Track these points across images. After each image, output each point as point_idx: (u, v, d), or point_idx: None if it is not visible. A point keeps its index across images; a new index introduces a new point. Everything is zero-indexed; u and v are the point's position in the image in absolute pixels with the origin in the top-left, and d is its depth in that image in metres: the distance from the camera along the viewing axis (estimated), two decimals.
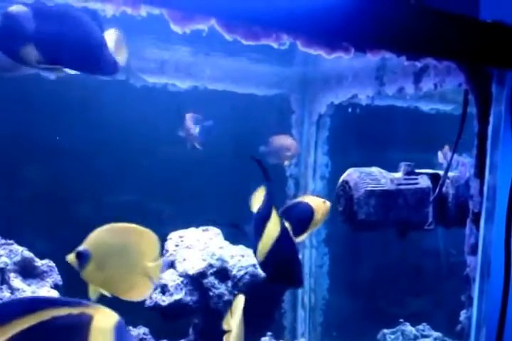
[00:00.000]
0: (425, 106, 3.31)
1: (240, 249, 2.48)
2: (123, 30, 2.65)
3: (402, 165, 2.33)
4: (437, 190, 2.30)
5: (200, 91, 3.20)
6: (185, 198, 3.23)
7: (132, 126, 2.88)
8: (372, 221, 2.18)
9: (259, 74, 3.27)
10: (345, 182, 2.19)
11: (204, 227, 2.62)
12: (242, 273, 2.36)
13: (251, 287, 2.36)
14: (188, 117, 2.97)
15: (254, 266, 2.38)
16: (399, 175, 2.32)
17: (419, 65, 2.17)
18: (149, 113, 2.97)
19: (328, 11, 1.75)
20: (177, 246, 2.46)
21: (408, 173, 2.32)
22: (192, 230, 2.59)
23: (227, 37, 1.64)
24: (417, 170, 2.35)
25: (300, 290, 3.28)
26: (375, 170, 2.24)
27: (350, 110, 2.93)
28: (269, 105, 3.30)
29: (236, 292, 2.34)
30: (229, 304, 2.34)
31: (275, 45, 1.72)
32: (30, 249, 2.32)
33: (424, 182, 2.31)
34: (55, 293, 2.16)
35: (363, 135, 3.31)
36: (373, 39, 1.91)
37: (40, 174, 3.01)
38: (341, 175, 2.36)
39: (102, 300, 2.81)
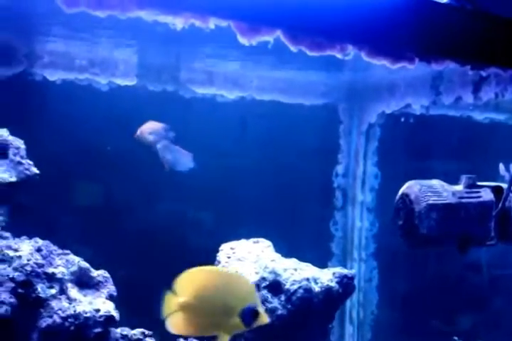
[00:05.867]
0: (479, 116, 3.20)
1: (293, 262, 2.43)
2: (173, 42, 2.68)
3: (464, 178, 2.24)
4: (500, 204, 2.21)
5: (248, 102, 3.20)
6: (231, 209, 3.21)
7: (182, 137, 2.89)
8: (433, 235, 2.09)
9: (307, 83, 3.25)
10: (406, 195, 2.11)
11: (255, 239, 2.59)
12: (295, 287, 2.30)
13: (305, 302, 2.30)
14: (146, 128, 2.66)
15: (307, 280, 2.33)
16: (460, 187, 2.22)
17: (484, 74, 2.10)
18: (198, 124, 2.97)
19: (392, 22, 1.72)
20: (229, 257, 2.43)
21: (470, 186, 2.23)
22: (243, 242, 2.56)
23: (292, 48, 1.62)
24: (479, 183, 2.26)
25: (348, 305, 3.20)
26: (436, 182, 2.16)
27: (402, 120, 2.86)
28: (317, 115, 3.26)
29: (290, 306, 2.29)
30: (282, 319, 2.29)
31: (340, 56, 1.69)
32: (85, 259, 2.34)
33: (486, 195, 2.21)
34: (110, 305, 2.16)
35: (414, 145, 3.22)
36: (437, 48, 1.86)
37: (91, 184, 3.04)
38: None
39: (144, 312, 2.80)
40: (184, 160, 2.75)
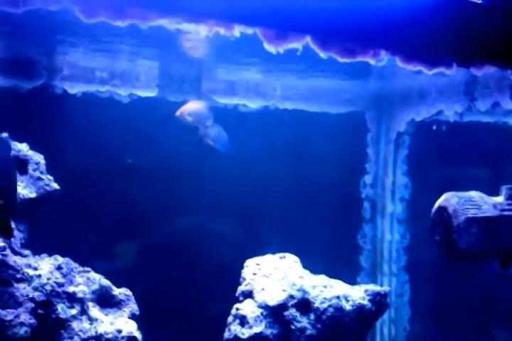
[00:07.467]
0: None
1: (322, 279, 2.31)
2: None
3: (504, 189, 2.10)
4: None
5: (271, 111, 3.11)
6: (255, 221, 3.11)
7: (205, 148, 2.81)
8: (473, 251, 1.96)
9: (332, 91, 3.14)
10: (443, 208, 1.98)
11: (281, 254, 2.48)
12: (325, 305, 2.19)
13: (335, 321, 2.18)
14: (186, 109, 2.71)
15: (338, 297, 2.21)
16: (500, 199, 2.09)
17: None
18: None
19: (426, 25, 1.61)
20: (254, 274, 2.33)
21: (511, 197, 2.09)
22: (268, 257, 2.45)
23: (322, 55, 1.52)
24: None
25: (379, 321, 3.05)
26: (474, 194, 2.03)
27: (434, 127, 2.72)
28: (343, 123, 3.15)
29: (319, 326, 2.17)
30: (311, 339, 2.18)
31: (372, 62, 1.59)
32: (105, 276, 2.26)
33: None
34: (133, 324, 2.08)
35: (447, 153, 3.07)
36: (475, 52, 1.75)
37: (112, 198, 2.98)
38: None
39: (178, 331, 2.72)
40: (224, 139, 2.76)
